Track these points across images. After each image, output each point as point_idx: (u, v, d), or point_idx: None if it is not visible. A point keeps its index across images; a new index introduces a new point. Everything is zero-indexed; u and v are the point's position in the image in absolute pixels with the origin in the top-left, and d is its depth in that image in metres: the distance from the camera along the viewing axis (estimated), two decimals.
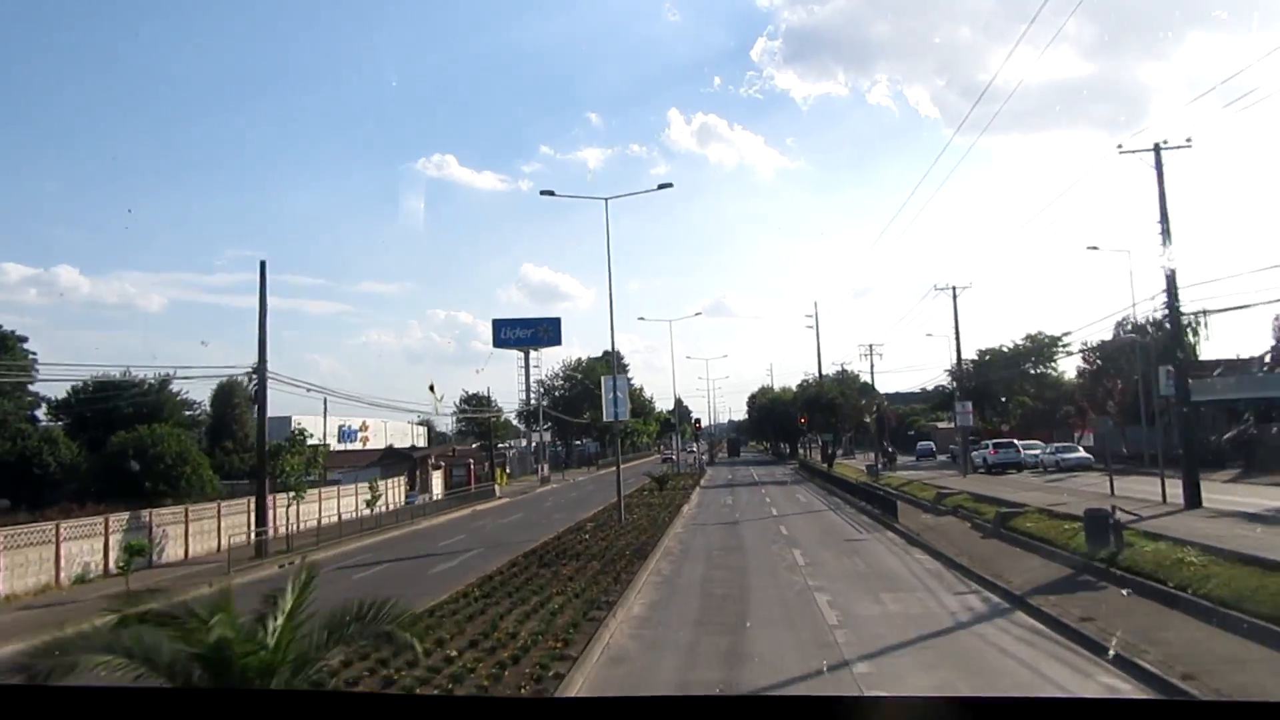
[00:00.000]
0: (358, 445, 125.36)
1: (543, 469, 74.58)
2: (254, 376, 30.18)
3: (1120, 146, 27.97)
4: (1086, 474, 46.43)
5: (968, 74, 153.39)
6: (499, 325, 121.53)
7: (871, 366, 77.90)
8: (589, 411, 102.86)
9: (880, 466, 56.14)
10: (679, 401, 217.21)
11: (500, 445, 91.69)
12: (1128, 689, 11.57)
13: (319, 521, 38.65)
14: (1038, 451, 54.37)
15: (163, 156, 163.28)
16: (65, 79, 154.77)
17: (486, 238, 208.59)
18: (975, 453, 68.52)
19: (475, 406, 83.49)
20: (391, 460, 55.87)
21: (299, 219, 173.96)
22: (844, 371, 69.44)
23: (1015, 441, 62.16)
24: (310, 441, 44.26)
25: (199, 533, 30.02)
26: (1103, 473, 46.31)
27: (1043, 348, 66.67)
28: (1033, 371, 67.32)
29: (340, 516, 40.53)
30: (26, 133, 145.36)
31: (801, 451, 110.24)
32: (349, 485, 45.85)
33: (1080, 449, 52.36)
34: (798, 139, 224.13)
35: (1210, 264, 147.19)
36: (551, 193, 37.64)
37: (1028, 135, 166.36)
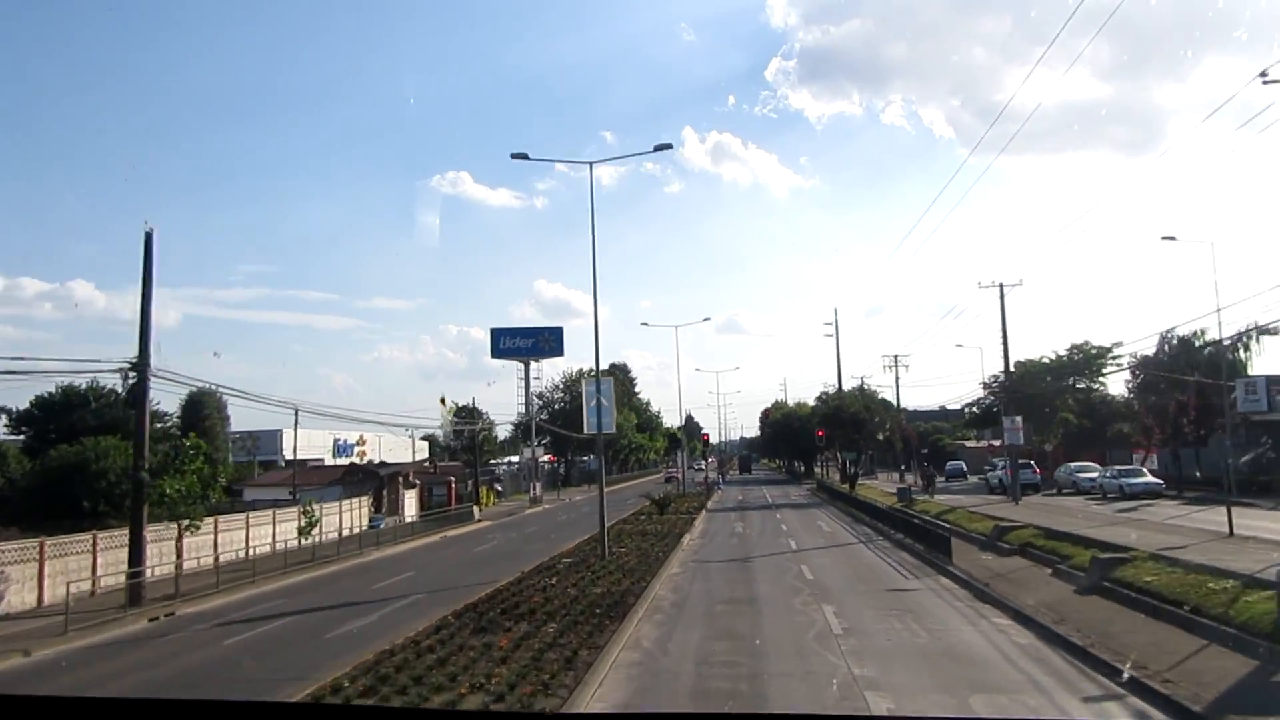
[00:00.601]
0: (355, 460, 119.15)
1: (534, 488, 68.04)
2: (135, 375, 23.72)
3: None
4: (1157, 502, 39.61)
5: (983, 95, 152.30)
6: (498, 335, 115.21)
7: (896, 379, 71.26)
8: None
9: (917, 490, 49.11)
10: (688, 418, 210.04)
11: (494, 462, 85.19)
12: None
13: (245, 553, 32.17)
14: (1095, 475, 47.45)
15: (178, 170, 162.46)
16: (82, 90, 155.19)
17: (500, 254, 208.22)
18: (992, 473, 62.23)
19: (463, 419, 77.08)
20: (356, 478, 49.41)
21: (312, 234, 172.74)
22: (863, 386, 62.87)
23: (1032, 462, 57.09)
24: (271, 456, 37.94)
25: (62, 572, 23.58)
26: (1179, 501, 39.72)
27: (1090, 360, 59.81)
28: (1078, 386, 60.44)
29: (269, 547, 34.02)
30: (42, 145, 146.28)
31: (818, 470, 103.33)
32: (265, 512, 39.14)
33: (1146, 473, 45.43)
34: (812, 158, 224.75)
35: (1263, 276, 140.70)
36: (525, 155, 31.64)
37: (1043, 156, 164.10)
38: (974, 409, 65.90)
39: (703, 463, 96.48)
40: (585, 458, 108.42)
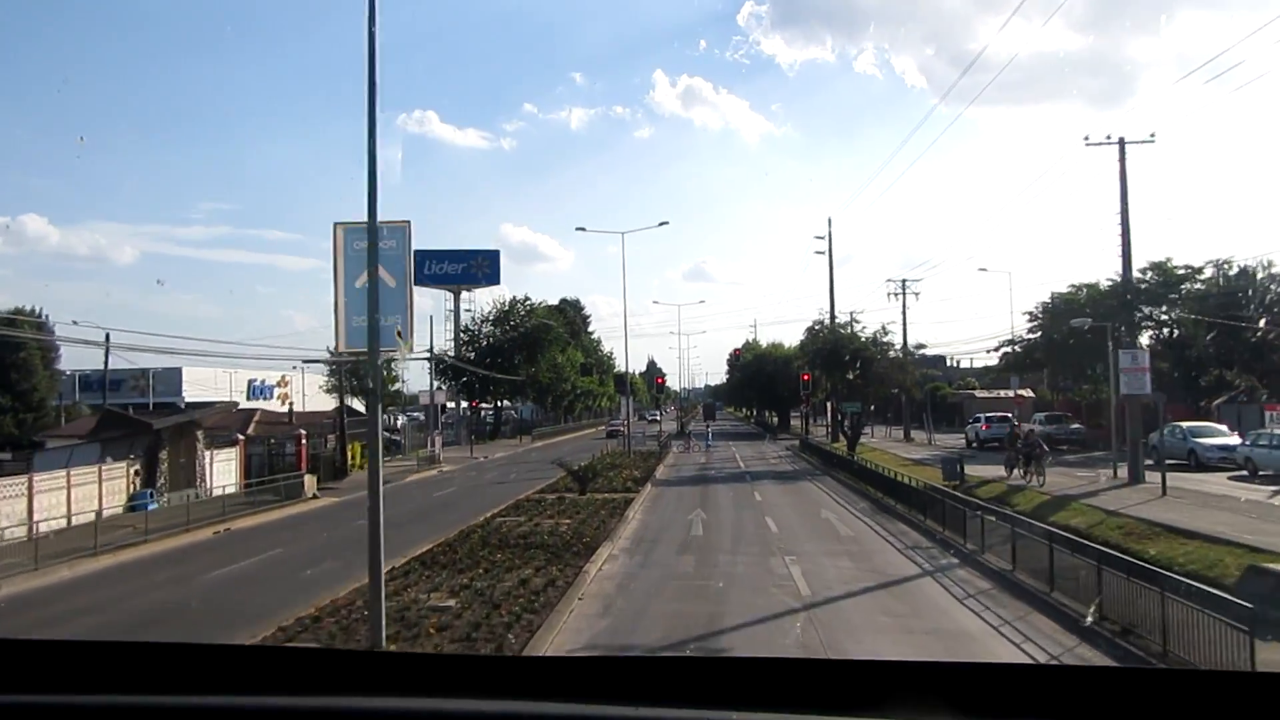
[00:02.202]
0: (275, 404, 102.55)
1: (432, 443, 51.79)
2: None
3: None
4: None
5: (957, 43, 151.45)
6: (422, 258, 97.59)
7: (904, 311, 55.53)
8: (526, 365, 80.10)
9: (1026, 476, 29.08)
10: (651, 363, 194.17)
11: (406, 411, 68.68)
12: None
13: None
14: (1232, 442, 32.06)
15: (137, 104, 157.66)
16: (36, 21, 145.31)
17: (466, 196, 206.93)
18: (969, 427, 49.59)
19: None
20: (116, 432, 32.83)
21: (275, 171, 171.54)
22: (854, 320, 46.87)
23: (1010, 415, 48.18)
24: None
25: None
26: None
27: (1172, 283, 44.31)
28: (1161, 318, 45.00)
29: None
30: None
31: (795, 423, 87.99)
32: None
33: None
34: (784, 104, 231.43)
35: None
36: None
37: (1015, 108, 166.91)
38: (1015, 346, 50.47)
39: (657, 413, 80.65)
40: (511, 404, 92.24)
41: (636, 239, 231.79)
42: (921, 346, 44.98)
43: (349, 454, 45.46)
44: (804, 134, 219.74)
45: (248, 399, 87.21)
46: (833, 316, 52.32)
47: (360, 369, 61.95)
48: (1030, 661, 11.41)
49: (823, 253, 58.25)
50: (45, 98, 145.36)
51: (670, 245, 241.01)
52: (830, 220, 55.81)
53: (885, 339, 45.31)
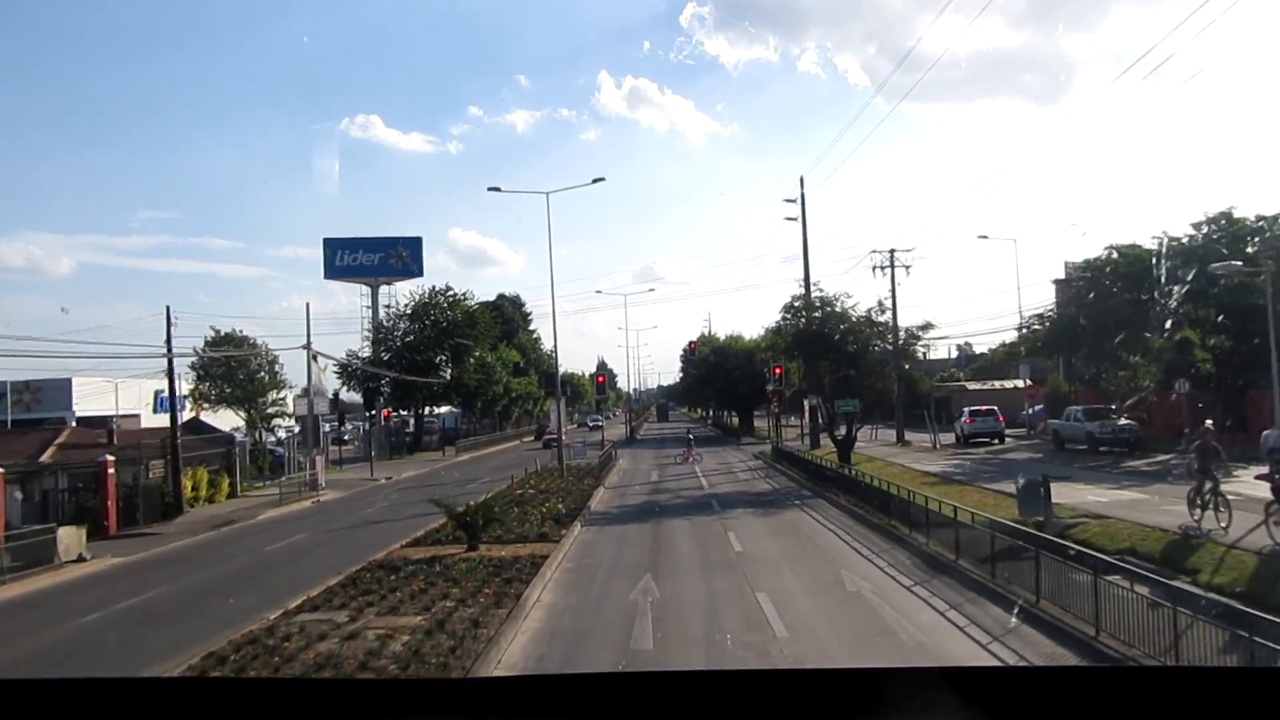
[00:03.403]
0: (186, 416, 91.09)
1: (315, 467, 40.59)
2: None
3: None
4: None
5: (898, 42, 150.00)
6: (333, 247, 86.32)
7: (893, 286, 45.70)
8: (450, 366, 69.15)
9: (1208, 508, 16.03)
10: (601, 363, 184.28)
11: (282, 422, 57.26)
12: None
13: None
14: None
15: (71, 112, 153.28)
16: None
17: (413, 200, 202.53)
18: (958, 424, 44.74)
19: (217, 350, 49.32)
20: None
21: (217, 179, 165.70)
22: (842, 297, 36.70)
23: (995, 408, 45.34)
24: None
25: None
26: None
27: (1239, 236, 35.01)
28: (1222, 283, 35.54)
29: None
30: None
31: (760, 424, 78.09)
32: None
33: None
34: (729, 104, 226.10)
35: None
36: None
37: (956, 104, 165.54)
38: (1037, 324, 40.92)
39: (600, 418, 70.00)
40: (437, 412, 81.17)
41: (587, 239, 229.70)
42: (928, 326, 35.05)
43: (187, 484, 34.34)
44: (750, 133, 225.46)
45: (154, 412, 73.89)
46: (807, 292, 42.32)
47: (234, 372, 50.70)
48: None
49: (794, 219, 48.33)
50: None
51: (619, 247, 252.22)
52: (802, 180, 46.54)
53: (882, 318, 35.37)
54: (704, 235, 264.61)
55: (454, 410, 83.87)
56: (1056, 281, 49.10)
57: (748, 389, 70.75)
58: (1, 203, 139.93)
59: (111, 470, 30.78)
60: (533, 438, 70.96)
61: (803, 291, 35.34)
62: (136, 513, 31.39)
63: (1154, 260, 37.55)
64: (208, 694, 1.85)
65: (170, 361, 50.72)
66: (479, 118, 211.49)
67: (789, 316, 36.65)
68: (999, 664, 11.35)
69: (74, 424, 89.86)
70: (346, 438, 74.85)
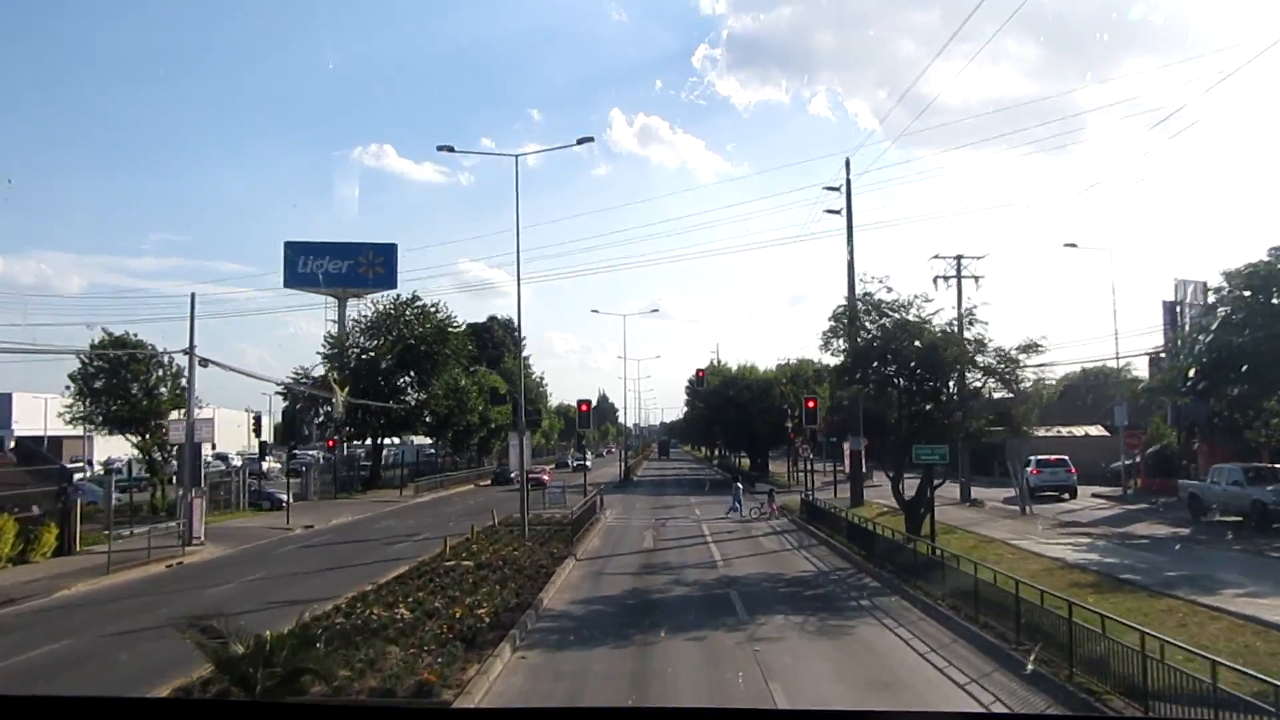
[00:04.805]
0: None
1: (192, 513, 29.99)
2: None
3: None
4: None
5: (910, 88, 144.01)
6: (295, 252, 76.30)
7: (959, 302, 35.14)
8: (415, 388, 58.97)
9: None
10: (602, 397, 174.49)
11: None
12: None
13: None
14: None
15: (89, 134, 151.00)
16: None
17: (423, 230, 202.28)
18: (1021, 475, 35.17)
19: (103, 350, 39.16)
20: None
21: (229, 204, 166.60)
22: (897, 305, 26.20)
23: (1066, 459, 39.79)
24: None
25: None
26: None
27: None
28: None
29: None
30: None
31: (778, 468, 67.60)
32: None
33: None
34: (739, 144, 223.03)
35: None
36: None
37: (967, 151, 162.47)
38: (1192, 348, 30.49)
39: (585, 456, 59.06)
40: (417, 442, 70.81)
41: (595, 273, 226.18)
42: (1033, 348, 24.58)
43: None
44: (760, 173, 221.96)
45: (111, 433, 63.13)
46: (851, 293, 32.16)
47: (126, 385, 40.42)
48: None
49: (835, 211, 38.09)
50: None
51: (627, 282, 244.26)
52: (848, 162, 37.34)
53: (977, 331, 25.01)
54: (712, 273, 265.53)
55: (425, 441, 73.60)
56: (1168, 304, 38.85)
57: (763, 426, 60.33)
58: (15, 221, 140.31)
59: None
60: (491, 480, 60.24)
61: (867, 293, 24.90)
62: None
63: None
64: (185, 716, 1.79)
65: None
66: (492, 150, 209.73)
67: (843, 326, 26.22)
68: None
69: (11, 444, 79.05)
70: (302, 469, 64.62)
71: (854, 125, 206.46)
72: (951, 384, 24.86)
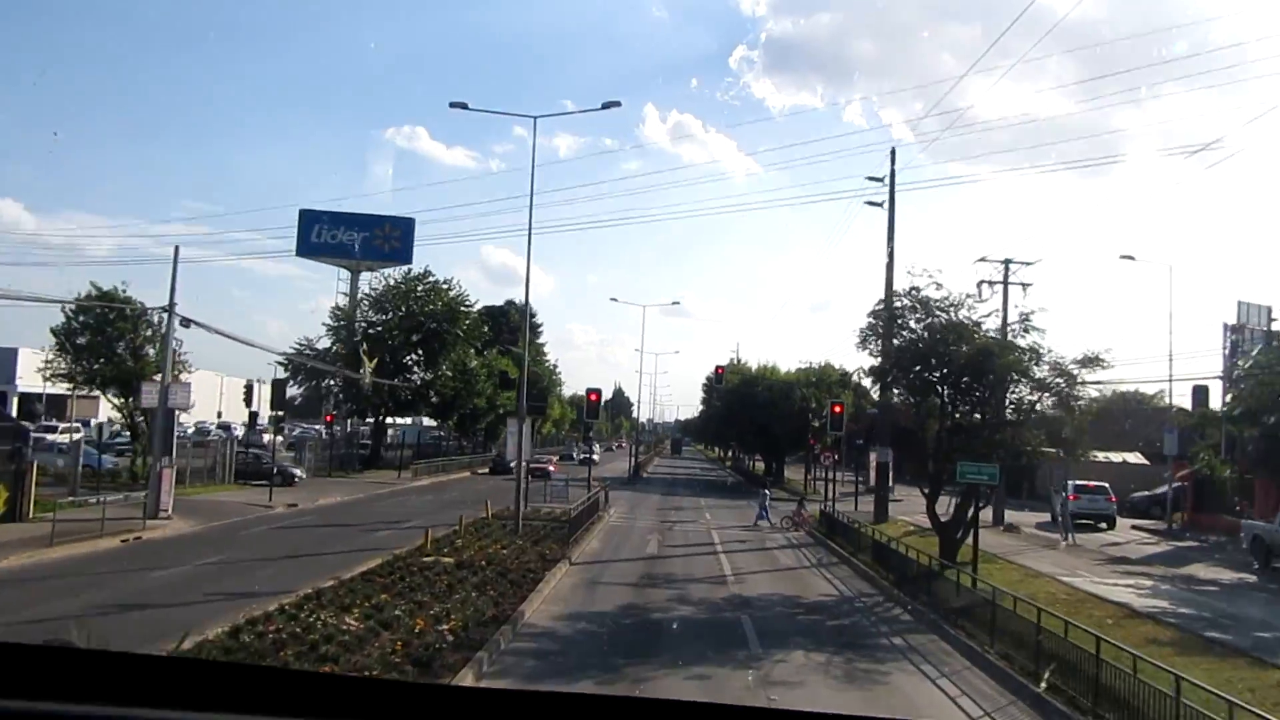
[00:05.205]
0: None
1: (161, 483, 27.70)
2: None
3: None
4: None
5: (946, 101, 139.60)
6: (309, 220, 73.89)
7: (1005, 311, 32.16)
8: (422, 367, 56.73)
9: None
10: (617, 391, 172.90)
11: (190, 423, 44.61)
12: None
13: None
14: None
15: (128, 101, 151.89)
16: (27, 12, 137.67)
17: (450, 213, 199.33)
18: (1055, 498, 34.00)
19: (87, 309, 36.97)
20: None
21: (261, 177, 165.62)
22: (945, 305, 23.38)
23: (1106, 485, 37.27)
24: None
25: None
26: None
27: None
28: None
29: None
30: None
31: (791, 474, 65.02)
32: None
33: None
34: (771, 147, 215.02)
35: None
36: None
37: (1000, 169, 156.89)
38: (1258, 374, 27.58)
39: (593, 448, 56.73)
40: (402, 421, 68.57)
41: (617, 265, 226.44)
42: (1094, 362, 21.69)
43: None
44: (790, 177, 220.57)
45: (92, 392, 61.43)
46: (889, 290, 29.45)
47: (111, 344, 38.13)
48: None
49: (877, 203, 35.28)
50: (26, 89, 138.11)
51: (649, 277, 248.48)
52: (893, 153, 34.57)
53: (1033, 340, 22.21)
54: (737, 275, 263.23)
55: (431, 423, 71.40)
56: (1229, 326, 35.91)
57: (783, 430, 57.56)
58: (49, 181, 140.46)
59: None
60: (489, 468, 57.35)
61: (914, 288, 22.03)
62: None
63: None
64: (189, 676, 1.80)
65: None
66: (523, 138, 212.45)
67: (882, 324, 23.45)
68: None
69: (15, 400, 76.67)
70: (295, 443, 62.49)
71: (887, 134, 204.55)
72: (1006, 396, 22.03)
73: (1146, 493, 43.09)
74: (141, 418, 38.48)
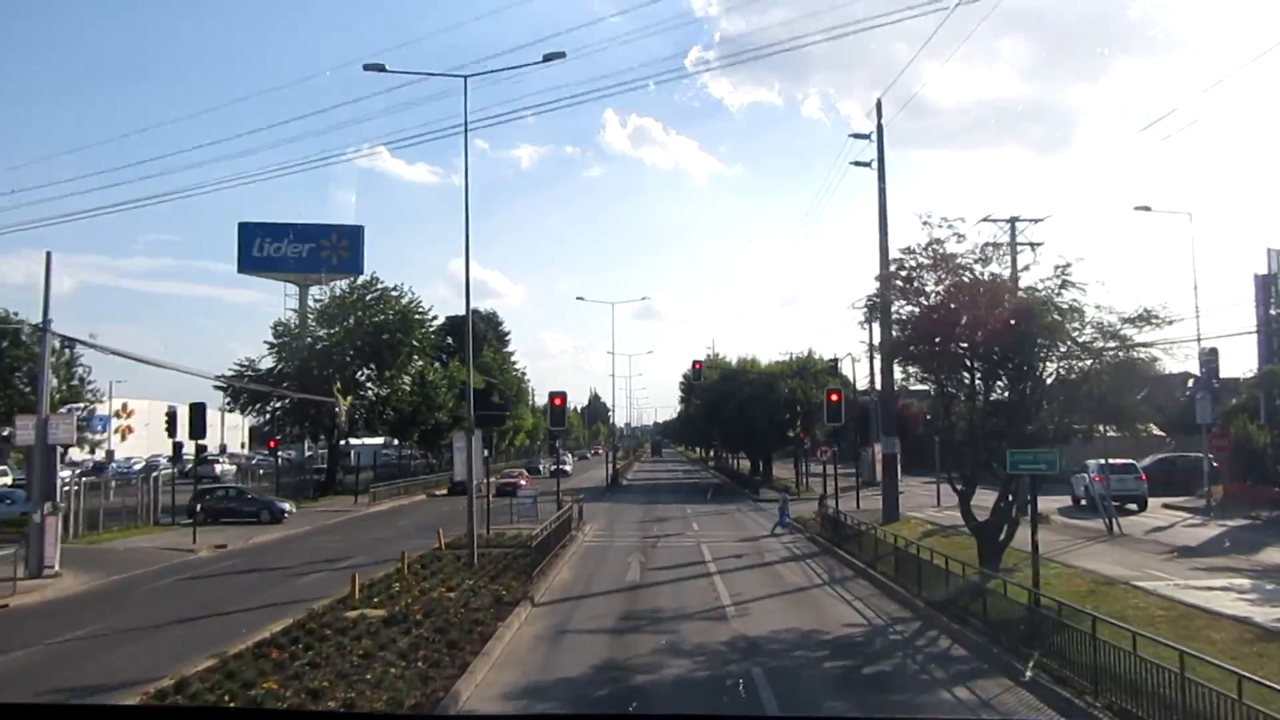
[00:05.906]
0: (113, 440, 74.92)
1: (45, 533, 23.24)
2: None
3: None
4: None
5: (903, 89, 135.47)
6: (250, 234, 69.51)
7: (1013, 269, 28.31)
8: (376, 382, 52.40)
9: None
10: (594, 397, 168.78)
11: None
12: None
13: None
14: None
15: (84, 132, 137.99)
16: None
17: (416, 230, 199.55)
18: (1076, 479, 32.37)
19: None
20: None
21: (219, 202, 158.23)
22: (965, 262, 19.43)
23: (1135, 463, 33.50)
24: None
25: None
26: None
27: None
28: None
29: None
30: None
31: (779, 471, 61.19)
32: None
33: None
34: (731, 146, 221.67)
35: None
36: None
37: (958, 152, 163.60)
38: None
39: (565, 458, 51.88)
40: (372, 441, 64.13)
41: (586, 271, 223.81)
42: (1148, 319, 17.91)
43: None
44: (753, 174, 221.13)
45: (75, 435, 55.44)
46: (884, 256, 25.51)
47: (6, 373, 33.43)
48: None
49: (865, 163, 31.37)
50: None
51: (619, 282, 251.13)
52: (879, 104, 30.67)
53: (1072, 298, 18.22)
54: (705, 273, 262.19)
55: (395, 442, 66.86)
56: (1260, 277, 32.35)
57: (768, 426, 53.69)
58: (7, 219, 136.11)
59: None
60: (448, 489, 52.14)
61: (934, 240, 17.95)
62: None
63: None
64: None
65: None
66: (485, 151, 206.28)
67: (897, 289, 19.39)
68: None
69: None
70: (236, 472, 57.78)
71: (847, 125, 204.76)
72: (1050, 365, 18.09)
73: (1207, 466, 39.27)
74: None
